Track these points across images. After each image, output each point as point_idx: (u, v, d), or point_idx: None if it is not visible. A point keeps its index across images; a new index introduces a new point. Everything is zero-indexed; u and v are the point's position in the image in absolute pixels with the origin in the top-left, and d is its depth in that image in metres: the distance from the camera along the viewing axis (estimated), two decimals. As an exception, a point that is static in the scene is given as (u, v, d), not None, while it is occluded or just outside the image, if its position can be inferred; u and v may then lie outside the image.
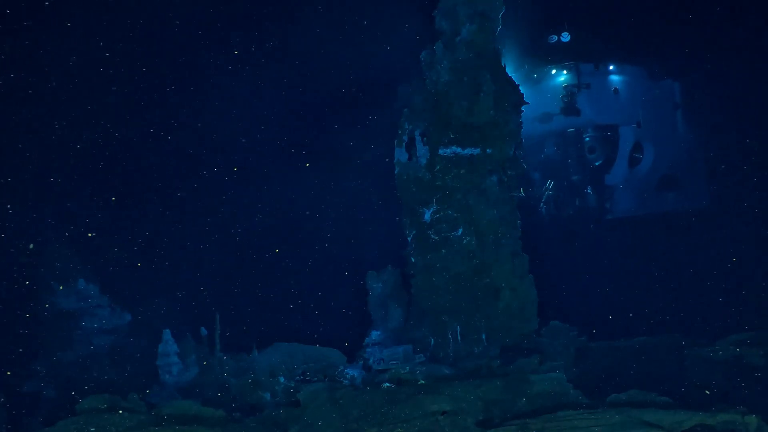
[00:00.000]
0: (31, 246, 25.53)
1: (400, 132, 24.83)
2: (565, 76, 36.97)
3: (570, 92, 36.62)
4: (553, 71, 37.10)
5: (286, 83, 29.73)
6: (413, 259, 24.69)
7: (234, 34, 29.61)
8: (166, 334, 24.10)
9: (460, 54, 24.21)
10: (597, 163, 38.30)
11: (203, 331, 23.86)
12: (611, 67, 37.98)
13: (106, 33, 27.25)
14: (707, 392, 20.33)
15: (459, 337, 23.77)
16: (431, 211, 24.23)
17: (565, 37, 36.05)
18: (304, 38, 29.18)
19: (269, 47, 29.53)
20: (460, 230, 24.01)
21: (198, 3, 28.10)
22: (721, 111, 35.11)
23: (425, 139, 24.39)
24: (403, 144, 24.70)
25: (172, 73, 29.14)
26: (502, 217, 24.29)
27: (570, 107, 36.62)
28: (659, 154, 39.06)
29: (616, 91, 37.78)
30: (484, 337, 23.79)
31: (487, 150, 24.08)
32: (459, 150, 23.97)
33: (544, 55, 36.70)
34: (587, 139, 38.14)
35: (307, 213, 29.82)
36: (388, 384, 21.31)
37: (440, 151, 24.09)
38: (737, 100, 33.66)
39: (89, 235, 27.05)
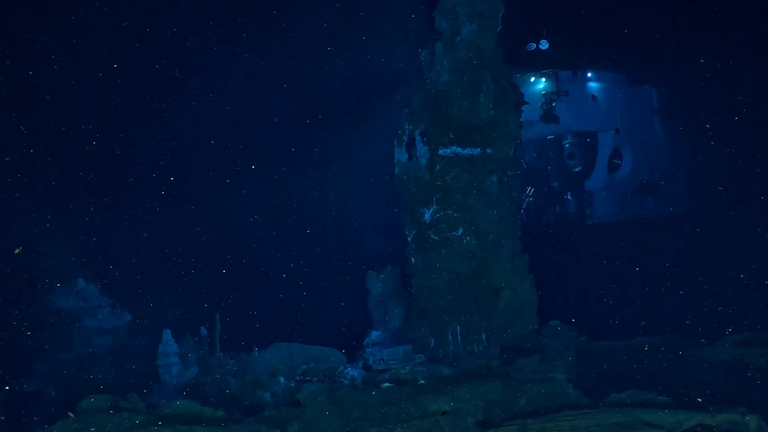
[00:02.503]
0: (16, 251, 25.07)
1: (400, 132, 24.54)
2: (544, 84, 36.05)
3: (549, 99, 35.63)
4: (532, 79, 36.05)
5: (287, 83, 29.20)
6: (413, 259, 24.21)
7: (235, 34, 29.18)
8: (166, 334, 23.48)
9: (460, 54, 23.91)
10: (576, 170, 37.10)
11: (203, 331, 23.45)
12: (589, 74, 37.04)
13: (104, 33, 26.88)
14: (707, 392, 19.72)
15: (459, 337, 23.29)
16: (431, 211, 23.76)
17: (544, 44, 34.95)
18: (305, 38, 28.80)
19: (270, 47, 29.03)
20: (460, 230, 23.52)
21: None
22: (699, 116, 34.46)
23: (425, 139, 24.01)
24: (403, 144, 24.44)
25: (173, 72, 28.66)
26: (502, 217, 24.04)
27: (549, 114, 35.70)
28: (638, 160, 38.27)
29: (594, 97, 36.86)
30: (484, 337, 23.39)
31: (487, 150, 23.75)
32: (459, 150, 23.53)
33: (522, 63, 35.36)
34: (566, 145, 37.03)
35: (307, 213, 29.38)
36: (388, 384, 20.67)
37: (440, 151, 23.71)
38: (715, 105, 33.27)
39: (91, 237, 26.59)
